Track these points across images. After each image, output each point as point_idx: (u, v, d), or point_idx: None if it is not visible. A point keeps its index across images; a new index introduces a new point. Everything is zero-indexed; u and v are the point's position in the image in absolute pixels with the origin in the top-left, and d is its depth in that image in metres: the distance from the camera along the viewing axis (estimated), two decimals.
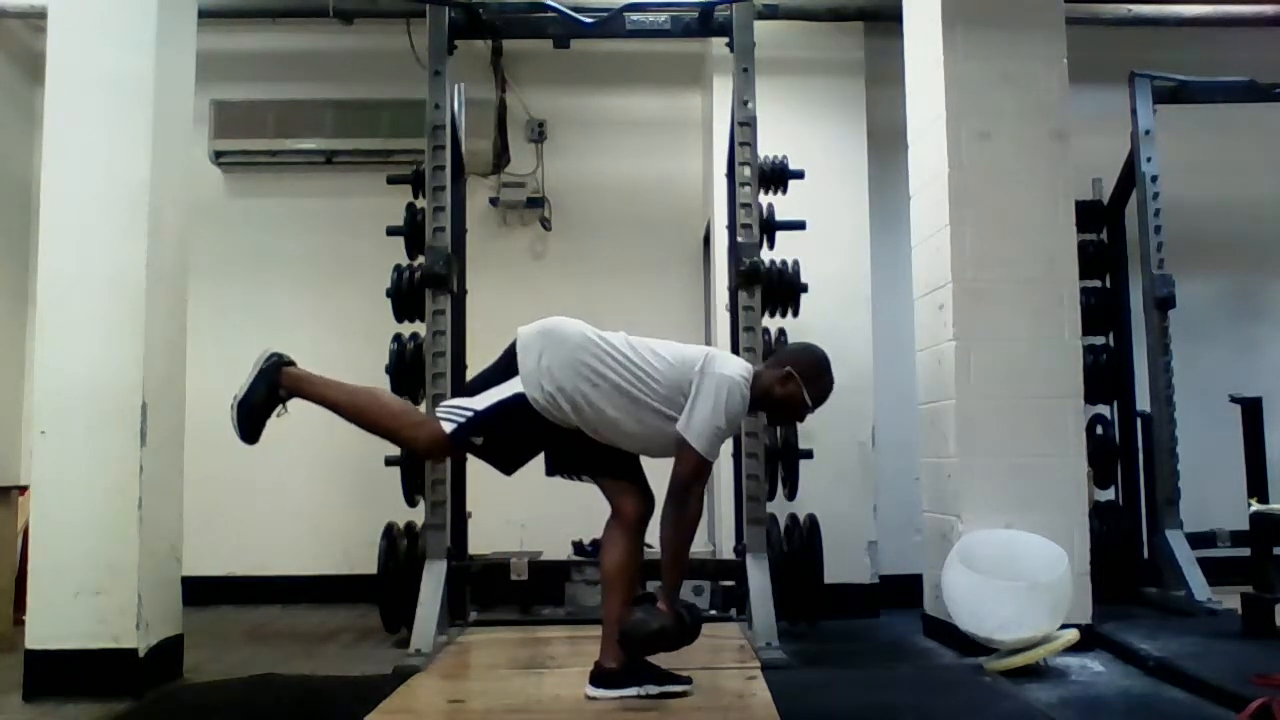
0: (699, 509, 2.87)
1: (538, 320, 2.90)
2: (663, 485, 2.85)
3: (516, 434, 2.85)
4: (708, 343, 4.96)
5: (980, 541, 3.58)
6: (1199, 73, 4.80)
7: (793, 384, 2.91)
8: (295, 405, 5.10)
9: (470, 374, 4.29)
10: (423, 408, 3.92)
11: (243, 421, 2.82)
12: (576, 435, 2.85)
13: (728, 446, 4.12)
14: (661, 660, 2.94)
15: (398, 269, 4.21)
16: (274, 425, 5.52)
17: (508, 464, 2.93)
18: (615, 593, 2.90)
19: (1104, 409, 4.90)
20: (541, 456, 3.00)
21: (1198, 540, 4.48)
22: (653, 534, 2.90)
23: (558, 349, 2.81)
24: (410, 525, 4.10)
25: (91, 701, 2.99)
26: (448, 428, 2.83)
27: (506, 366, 2.85)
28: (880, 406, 4.73)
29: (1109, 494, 4.91)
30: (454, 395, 2.98)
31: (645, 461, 3.00)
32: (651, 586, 2.95)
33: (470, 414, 2.82)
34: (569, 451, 2.95)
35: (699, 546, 4.64)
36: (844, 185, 4.81)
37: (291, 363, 2.88)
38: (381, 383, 4.05)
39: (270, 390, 2.82)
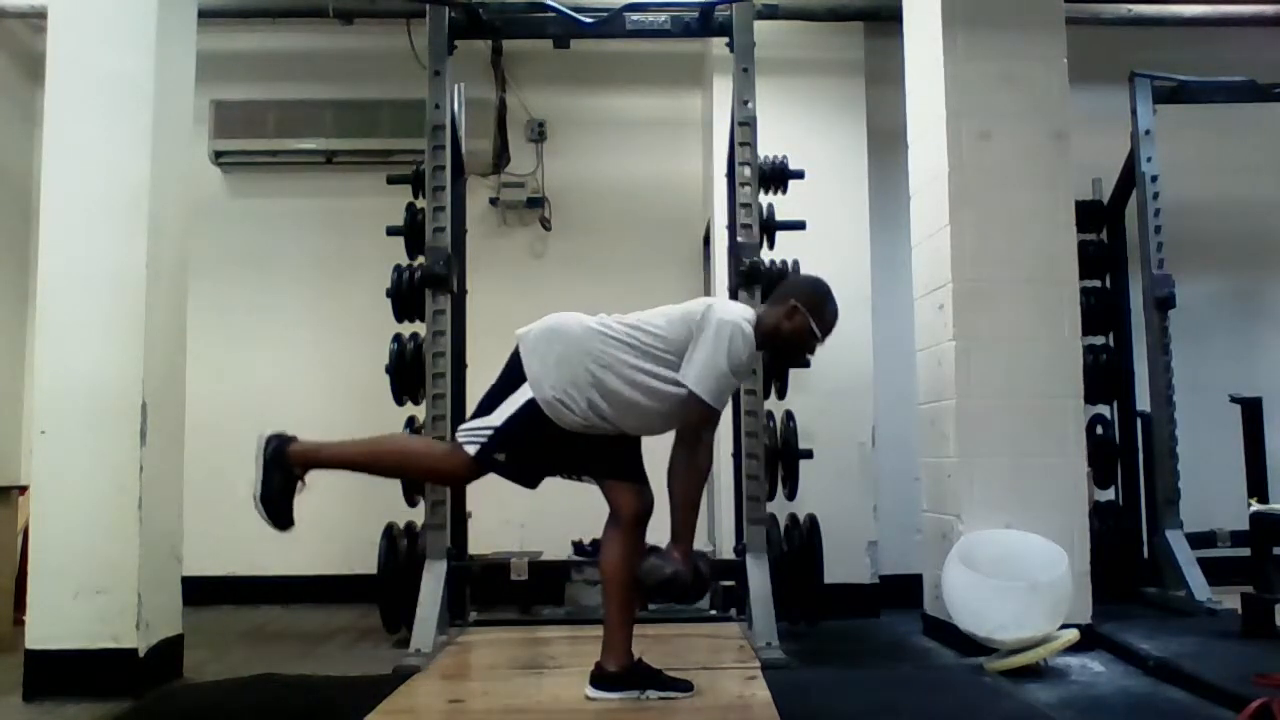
0: (708, 459, 2.81)
1: (534, 322, 2.85)
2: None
3: (535, 443, 2.78)
4: None
5: (980, 541, 3.58)
6: (1199, 73, 4.80)
7: (799, 317, 2.85)
8: (294, 404, 5.10)
9: (471, 374, 4.32)
10: (423, 408, 3.93)
11: (271, 515, 2.74)
12: (580, 435, 2.80)
13: (728, 445, 4.14)
14: (661, 661, 2.94)
15: (398, 269, 4.20)
16: (274, 424, 5.51)
17: (531, 478, 2.88)
18: (615, 593, 2.87)
19: (1104, 409, 4.90)
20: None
21: (1198, 540, 4.48)
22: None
23: (563, 345, 2.76)
24: (410, 525, 4.10)
25: (91, 701, 2.99)
26: (471, 450, 2.77)
27: (513, 376, 2.79)
28: (880, 406, 4.73)
29: (1109, 494, 4.91)
30: (468, 419, 2.89)
31: (646, 460, 2.97)
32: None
33: (490, 430, 2.76)
34: (570, 453, 2.89)
35: (699, 546, 4.65)
36: (844, 185, 4.81)
37: (292, 439, 2.80)
38: (382, 382, 4.06)
39: (284, 475, 2.76)
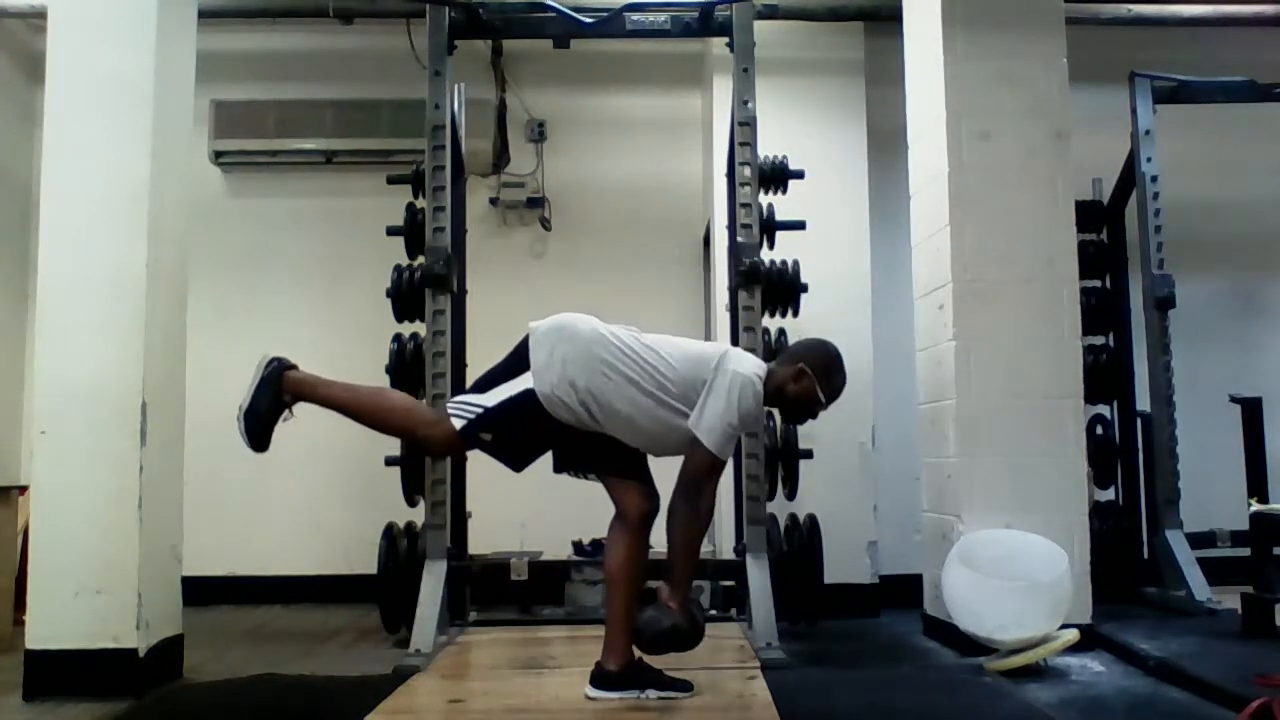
0: (710, 507, 2.85)
1: (548, 317, 2.87)
2: (670, 484, 2.83)
3: (525, 431, 2.81)
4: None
5: (980, 541, 3.58)
6: (1199, 73, 4.80)
7: (806, 380, 2.88)
8: (297, 405, 5.07)
9: (470, 374, 4.32)
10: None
11: (251, 431, 2.77)
12: (584, 433, 2.83)
13: None
14: (660, 662, 2.94)
15: (398, 269, 4.21)
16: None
17: (517, 461, 2.90)
18: (619, 593, 2.87)
19: (1104, 409, 4.90)
20: (549, 454, 2.97)
21: (1198, 540, 4.48)
22: (658, 534, 2.90)
23: (571, 345, 2.78)
24: (410, 525, 4.10)
25: (91, 701, 2.99)
26: (458, 424, 2.80)
27: (517, 363, 2.82)
28: (880, 406, 4.73)
29: (1109, 494, 4.91)
30: (464, 391, 2.94)
31: (654, 460, 2.97)
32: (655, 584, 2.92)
33: (480, 410, 2.79)
34: (575, 449, 2.92)
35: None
36: (844, 185, 4.81)
37: (293, 366, 2.83)
38: (382, 383, 4.06)
39: (275, 397, 2.78)
